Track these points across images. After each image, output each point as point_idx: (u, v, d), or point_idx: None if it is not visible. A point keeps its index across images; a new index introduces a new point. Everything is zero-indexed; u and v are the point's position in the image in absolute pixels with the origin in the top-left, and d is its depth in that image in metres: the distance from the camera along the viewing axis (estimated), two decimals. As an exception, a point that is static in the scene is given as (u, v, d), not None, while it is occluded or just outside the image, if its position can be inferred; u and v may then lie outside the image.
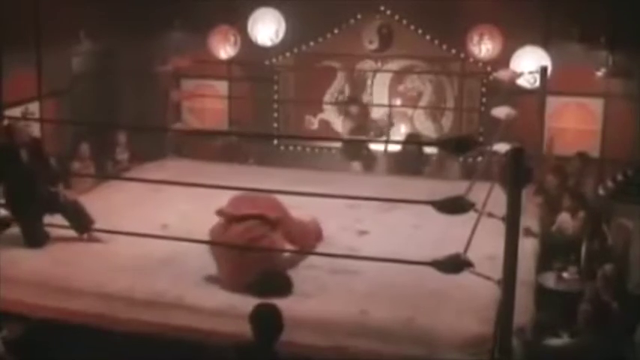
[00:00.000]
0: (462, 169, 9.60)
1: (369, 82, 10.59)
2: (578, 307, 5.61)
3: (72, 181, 8.48)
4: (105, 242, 6.60)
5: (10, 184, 6.69)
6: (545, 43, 9.51)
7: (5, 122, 7.12)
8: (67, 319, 5.37)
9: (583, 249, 7.21)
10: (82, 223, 6.75)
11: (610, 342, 5.25)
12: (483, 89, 10.15)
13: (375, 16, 10.37)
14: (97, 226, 6.73)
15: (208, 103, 11.03)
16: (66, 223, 6.65)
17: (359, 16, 10.37)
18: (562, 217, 7.78)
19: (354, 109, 10.42)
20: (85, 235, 6.77)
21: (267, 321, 4.55)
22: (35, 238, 6.60)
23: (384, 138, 10.15)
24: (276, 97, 10.89)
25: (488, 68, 9.87)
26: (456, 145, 4.81)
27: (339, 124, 10.79)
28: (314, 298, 5.73)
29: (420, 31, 10.20)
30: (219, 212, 6.19)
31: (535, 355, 5.16)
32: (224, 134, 10.84)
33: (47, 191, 6.71)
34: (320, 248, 6.18)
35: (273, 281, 5.75)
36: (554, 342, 5.45)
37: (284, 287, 5.76)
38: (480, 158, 9.38)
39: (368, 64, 10.52)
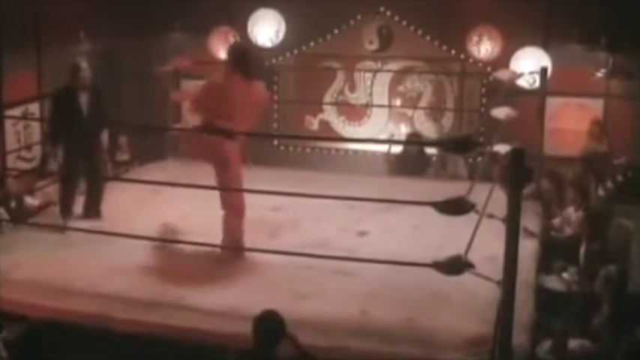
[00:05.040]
0: (467, 169, 9.57)
1: (368, 82, 10.60)
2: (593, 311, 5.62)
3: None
4: (105, 242, 6.60)
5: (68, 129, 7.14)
6: (545, 44, 9.51)
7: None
8: (67, 320, 5.38)
9: (582, 249, 7.21)
10: (95, 203, 7.19)
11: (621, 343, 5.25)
12: (483, 90, 10.16)
13: (375, 17, 10.37)
14: (97, 227, 6.75)
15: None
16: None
17: (359, 17, 10.37)
18: (567, 212, 7.82)
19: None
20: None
21: (269, 327, 4.54)
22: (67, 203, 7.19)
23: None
24: (276, 97, 10.89)
25: (488, 69, 9.88)
26: (455, 145, 4.81)
27: (339, 125, 10.80)
28: (314, 298, 5.74)
29: (419, 32, 10.20)
30: None
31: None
32: (224, 134, 10.79)
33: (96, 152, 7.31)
34: (320, 249, 6.18)
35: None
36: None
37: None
38: (480, 158, 9.38)
39: (368, 65, 10.53)
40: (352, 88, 10.70)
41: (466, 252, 4.57)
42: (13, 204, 7.56)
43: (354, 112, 10.71)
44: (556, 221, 7.91)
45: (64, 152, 7.21)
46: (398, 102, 10.57)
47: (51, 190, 8.18)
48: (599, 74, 9.61)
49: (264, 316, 4.58)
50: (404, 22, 10.25)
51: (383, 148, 10.12)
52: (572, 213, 7.79)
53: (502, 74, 8.97)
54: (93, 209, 7.41)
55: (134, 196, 7.76)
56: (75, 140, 7.10)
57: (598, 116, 9.70)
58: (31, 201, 7.92)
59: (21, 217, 7.32)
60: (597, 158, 9.01)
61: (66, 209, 7.31)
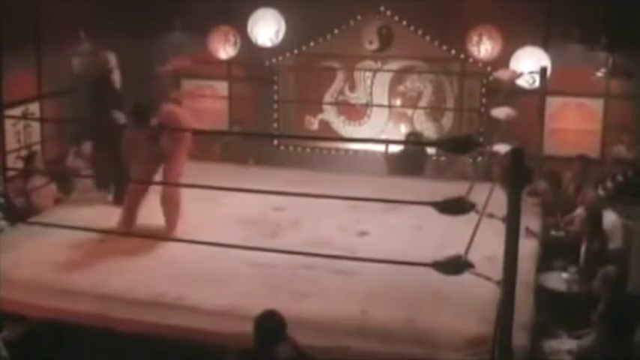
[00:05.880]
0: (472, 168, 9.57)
1: (368, 82, 10.60)
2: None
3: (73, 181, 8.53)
4: (105, 242, 6.61)
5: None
6: (544, 44, 9.52)
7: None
8: (67, 320, 5.37)
9: (582, 249, 7.21)
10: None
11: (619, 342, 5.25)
12: (483, 90, 10.16)
13: (375, 17, 10.37)
14: (97, 226, 6.75)
15: (208, 104, 11.03)
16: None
17: (359, 17, 10.37)
18: (578, 212, 7.84)
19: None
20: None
21: (270, 327, 4.54)
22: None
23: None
24: (276, 97, 10.90)
25: (488, 68, 9.88)
26: (455, 145, 4.81)
27: (339, 125, 10.80)
28: (314, 298, 5.74)
29: (419, 32, 10.20)
30: None
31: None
32: (224, 134, 10.83)
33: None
34: (321, 248, 6.18)
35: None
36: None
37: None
38: (480, 158, 9.38)
39: (368, 65, 10.53)
40: (352, 88, 10.70)
41: (466, 252, 4.57)
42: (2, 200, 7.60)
43: (354, 112, 10.72)
44: (575, 213, 7.90)
45: (101, 138, 7.82)
46: (398, 102, 10.57)
47: (43, 192, 8.15)
48: (599, 74, 9.62)
49: (265, 315, 4.58)
50: (404, 22, 10.25)
51: (383, 148, 10.13)
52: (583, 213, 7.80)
53: (502, 74, 8.98)
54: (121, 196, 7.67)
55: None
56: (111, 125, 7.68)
57: (631, 125, 9.63)
58: (21, 204, 7.92)
59: (13, 218, 7.31)
60: (621, 163, 8.95)
61: (105, 187, 7.93)
